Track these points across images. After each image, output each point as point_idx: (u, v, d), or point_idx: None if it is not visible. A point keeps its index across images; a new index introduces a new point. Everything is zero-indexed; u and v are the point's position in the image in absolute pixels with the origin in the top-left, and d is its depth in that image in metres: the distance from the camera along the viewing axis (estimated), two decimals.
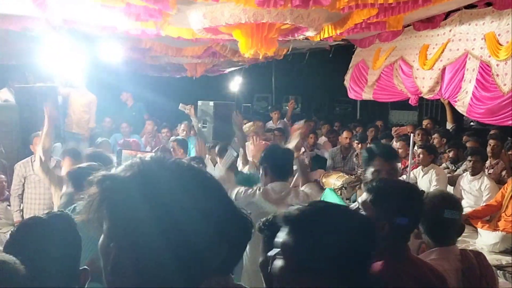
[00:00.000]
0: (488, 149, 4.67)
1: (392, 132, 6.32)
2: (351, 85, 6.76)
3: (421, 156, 4.64)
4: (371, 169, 2.21)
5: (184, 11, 3.72)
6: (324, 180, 5.17)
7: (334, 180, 5.07)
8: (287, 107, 8.55)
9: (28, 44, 5.47)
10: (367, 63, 6.38)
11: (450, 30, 4.78)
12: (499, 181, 4.39)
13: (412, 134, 4.56)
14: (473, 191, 4.31)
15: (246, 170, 3.43)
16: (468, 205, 4.18)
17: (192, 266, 0.71)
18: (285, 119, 7.94)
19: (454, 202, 1.91)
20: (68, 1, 3.70)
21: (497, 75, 4.05)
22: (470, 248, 3.39)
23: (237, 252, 1.36)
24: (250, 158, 3.50)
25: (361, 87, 6.48)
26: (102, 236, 0.74)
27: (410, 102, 5.64)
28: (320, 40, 4.91)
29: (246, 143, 5.77)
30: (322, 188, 4.78)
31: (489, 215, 4.09)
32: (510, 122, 4.06)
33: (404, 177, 4.34)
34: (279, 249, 0.98)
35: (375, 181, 1.66)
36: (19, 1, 3.74)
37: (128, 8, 3.32)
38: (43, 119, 3.44)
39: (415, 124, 7.33)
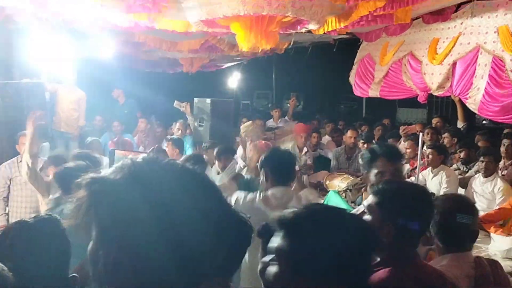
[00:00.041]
0: (502, 149, 4.67)
1: (400, 131, 6.32)
2: (356, 82, 6.76)
3: (430, 156, 4.64)
4: (374, 171, 2.20)
5: (180, 2, 3.73)
6: (328, 182, 5.17)
7: (339, 182, 5.07)
8: (288, 105, 8.55)
9: (13, 37, 5.46)
10: (373, 58, 6.38)
11: (461, 23, 4.78)
12: None
13: (421, 133, 4.56)
14: (486, 193, 4.31)
15: (244, 172, 3.46)
16: (480, 209, 4.17)
17: (189, 271, 0.71)
18: (286, 117, 7.94)
19: (468, 206, 1.90)
20: None
21: (511, 70, 4.05)
22: (483, 254, 3.39)
23: (236, 256, 1.36)
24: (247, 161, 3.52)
25: (367, 83, 6.48)
26: (91, 243, 0.73)
27: (419, 99, 5.64)
28: (324, 33, 4.91)
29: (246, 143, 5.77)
30: (324, 191, 4.78)
31: (503, 219, 4.09)
32: None
33: (412, 179, 4.35)
34: (273, 255, 0.98)
35: (382, 183, 1.67)
36: None
37: None
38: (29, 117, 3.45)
39: (424, 123, 7.35)
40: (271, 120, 7.91)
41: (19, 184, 3.97)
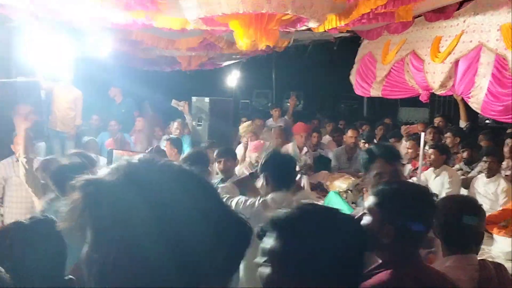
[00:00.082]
0: (505, 149, 4.68)
1: (402, 130, 6.33)
2: (357, 81, 6.76)
3: (432, 156, 4.65)
4: (372, 172, 2.20)
5: (178, 0, 3.73)
6: (328, 182, 5.18)
7: (339, 183, 5.08)
8: (288, 104, 8.56)
9: (9, 35, 5.46)
10: (375, 57, 6.38)
11: (464, 21, 4.79)
12: None
13: (423, 133, 4.57)
14: (489, 194, 4.31)
15: (240, 168, 3.46)
16: None
17: (188, 272, 0.71)
18: (286, 117, 7.95)
19: (475, 208, 1.90)
20: None
21: None
22: (485, 255, 3.40)
23: (235, 257, 1.37)
24: (247, 158, 3.52)
25: (369, 82, 6.48)
26: (85, 246, 0.73)
27: (420, 98, 5.65)
28: (324, 31, 4.92)
29: (241, 144, 5.78)
30: (325, 192, 4.78)
31: (506, 220, 4.10)
32: None
33: (414, 179, 4.35)
34: (266, 257, 0.98)
35: (382, 184, 1.67)
36: None
37: None
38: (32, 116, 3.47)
39: (426, 122, 7.34)
40: (271, 119, 7.92)
41: (14, 185, 3.96)
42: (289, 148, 5.75)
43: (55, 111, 6.53)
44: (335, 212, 1.10)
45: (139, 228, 0.69)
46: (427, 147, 4.87)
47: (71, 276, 1.43)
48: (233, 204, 2.56)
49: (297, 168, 3.63)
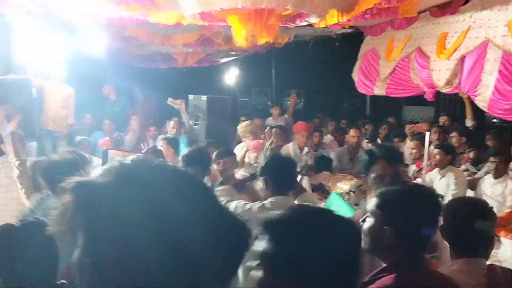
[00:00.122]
0: None
1: (406, 130, 6.34)
2: (360, 78, 6.75)
3: (437, 157, 4.65)
4: (372, 174, 2.18)
5: None
6: (330, 183, 5.18)
7: (341, 184, 5.08)
8: (288, 102, 8.57)
9: None
10: (378, 53, 6.38)
11: (470, 16, 4.79)
12: None
13: (428, 133, 4.58)
14: (496, 195, 4.32)
15: (241, 172, 3.47)
16: None
17: (187, 273, 0.72)
18: (286, 115, 7.96)
19: (486, 210, 1.90)
20: None
21: None
22: (492, 259, 3.40)
23: (234, 259, 1.38)
24: (246, 159, 3.52)
25: (372, 80, 6.47)
26: (76, 250, 0.73)
27: (426, 96, 5.65)
28: (326, 27, 4.92)
29: (241, 144, 5.79)
30: (326, 193, 4.79)
31: None
32: None
33: (418, 180, 4.36)
34: (258, 260, 0.99)
35: (385, 185, 1.67)
36: None
37: None
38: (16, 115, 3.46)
39: (431, 121, 7.36)
40: (270, 118, 7.92)
41: (4, 186, 3.95)
42: (290, 148, 5.76)
43: (47, 109, 6.52)
44: (328, 213, 1.11)
45: (132, 232, 0.69)
46: (432, 147, 4.88)
47: (63, 281, 1.42)
48: (232, 207, 2.58)
49: (298, 169, 3.64)
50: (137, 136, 6.62)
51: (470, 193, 4.50)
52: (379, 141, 6.26)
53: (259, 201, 2.61)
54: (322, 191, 5.03)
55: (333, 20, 4.44)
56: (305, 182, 4.80)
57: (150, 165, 0.76)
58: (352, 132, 6.10)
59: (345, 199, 4.47)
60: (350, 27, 5.80)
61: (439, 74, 5.19)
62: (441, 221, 1.81)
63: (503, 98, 4.37)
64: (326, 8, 3.88)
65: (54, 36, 5.53)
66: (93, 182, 0.72)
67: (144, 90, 8.15)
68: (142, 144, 6.29)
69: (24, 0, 3.85)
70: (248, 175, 3.42)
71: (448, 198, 4.10)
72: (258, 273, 0.98)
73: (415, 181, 4.34)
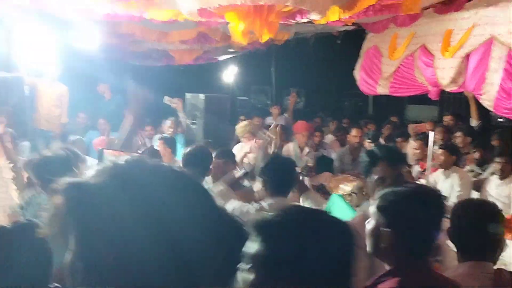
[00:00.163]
0: None
1: (409, 130, 6.34)
2: (362, 77, 6.75)
3: (442, 157, 4.66)
4: (373, 177, 2.16)
5: None
6: (331, 184, 5.18)
7: (343, 185, 5.08)
8: (288, 101, 8.57)
9: None
10: (380, 51, 6.37)
11: (475, 13, 4.79)
12: None
13: (431, 132, 4.58)
14: (502, 197, 4.32)
15: (241, 173, 3.48)
16: None
17: (186, 274, 0.72)
18: (285, 115, 7.96)
19: (494, 213, 1.90)
20: None
21: None
22: (498, 262, 3.41)
23: (233, 260, 1.38)
24: (245, 159, 3.52)
25: (375, 79, 6.46)
26: (67, 254, 0.73)
27: (430, 95, 5.65)
28: (327, 24, 4.92)
29: (239, 144, 5.78)
30: (327, 195, 4.78)
31: None
32: None
33: (422, 181, 4.36)
34: (250, 262, 0.99)
35: (387, 187, 1.67)
36: None
37: None
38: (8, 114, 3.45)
39: (435, 121, 7.36)
40: (270, 117, 7.92)
41: None
42: (290, 148, 5.76)
43: (40, 108, 6.51)
44: (321, 214, 1.11)
45: (127, 234, 0.68)
46: (436, 147, 4.88)
47: (56, 285, 1.42)
48: (229, 208, 2.59)
49: (298, 169, 3.64)
50: (126, 133, 6.59)
51: (475, 195, 4.50)
52: (381, 141, 6.26)
53: (257, 203, 2.62)
54: (323, 192, 5.03)
55: (334, 17, 4.44)
56: (306, 183, 4.80)
57: (144, 165, 0.76)
58: (354, 132, 6.11)
59: (347, 201, 4.47)
60: (352, 24, 5.80)
61: (444, 72, 5.19)
62: (447, 223, 1.81)
63: (508, 97, 4.38)
64: (327, 4, 3.89)
65: (47, 33, 5.53)
66: (86, 183, 0.72)
67: (140, 88, 8.14)
68: (139, 141, 6.30)
69: None
70: (243, 172, 3.44)
71: (452, 199, 4.12)
72: (248, 275, 0.98)
73: (418, 182, 4.34)
